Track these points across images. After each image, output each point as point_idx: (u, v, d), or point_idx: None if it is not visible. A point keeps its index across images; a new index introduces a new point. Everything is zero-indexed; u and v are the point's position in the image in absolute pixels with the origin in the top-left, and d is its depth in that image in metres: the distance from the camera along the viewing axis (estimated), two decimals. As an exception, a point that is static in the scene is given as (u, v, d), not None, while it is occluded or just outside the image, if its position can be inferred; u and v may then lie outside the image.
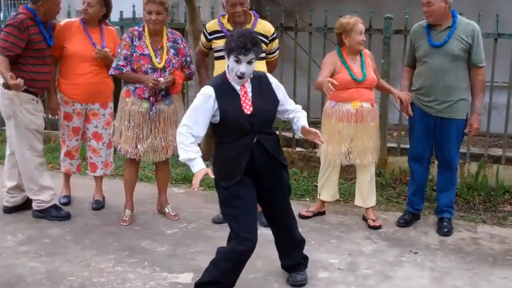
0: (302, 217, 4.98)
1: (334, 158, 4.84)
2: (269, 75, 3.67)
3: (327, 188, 5.01)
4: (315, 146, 6.39)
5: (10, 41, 4.47)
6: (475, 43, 4.57)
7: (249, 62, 3.39)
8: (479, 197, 5.41)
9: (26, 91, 4.56)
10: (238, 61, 3.37)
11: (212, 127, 3.52)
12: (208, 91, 3.44)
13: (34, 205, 4.81)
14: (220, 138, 3.54)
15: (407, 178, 5.75)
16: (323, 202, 5.07)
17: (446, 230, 4.67)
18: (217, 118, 3.44)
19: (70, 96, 4.91)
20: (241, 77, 3.41)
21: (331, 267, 4.13)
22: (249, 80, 3.51)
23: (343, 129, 4.78)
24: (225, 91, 3.46)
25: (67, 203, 5.18)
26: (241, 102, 3.44)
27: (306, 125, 3.61)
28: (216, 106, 3.42)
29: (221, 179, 3.50)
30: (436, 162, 4.98)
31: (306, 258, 3.93)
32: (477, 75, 4.64)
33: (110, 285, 3.80)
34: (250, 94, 3.47)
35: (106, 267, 4.05)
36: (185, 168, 6.06)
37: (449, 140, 4.69)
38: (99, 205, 5.12)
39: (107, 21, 5.10)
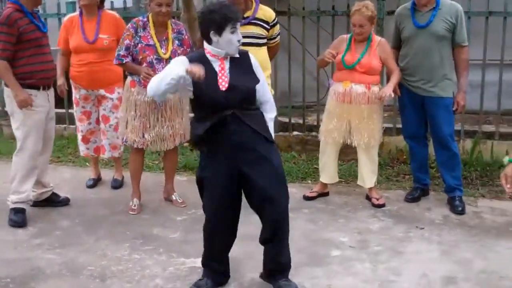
0: (307, 198, 5.10)
1: (330, 136, 4.94)
2: (250, 55, 3.59)
3: (326, 170, 5.11)
4: (311, 129, 6.52)
5: (2, 40, 4.39)
6: (459, 23, 4.70)
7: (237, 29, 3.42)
8: (475, 173, 5.56)
9: (22, 85, 4.49)
10: (234, 31, 3.37)
11: (191, 104, 3.59)
12: (182, 58, 3.51)
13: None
14: (198, 114, 3.52)
15: (404, 157, 5.92)
16: (325, 184, 5.17)
17: (460, 209, 4.77)
18: (191, 92, 3.42)
19: (76, 82, 5.16)
20: (239, 45, 3.43)
21: (342, 245, 4.24)
22: (228, 57, 3.46)
23: (336, 108, 4.90)
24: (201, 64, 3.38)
25: (92, 186, 5.43)
26: (218, 77, 3.39)
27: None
28: (190, 78, 3.33)
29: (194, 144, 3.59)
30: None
31: (290, 262, 3.64)
32: (461, 54, 4.78)
33: (130, 273, 3.86)
34: (227, 71, 3.41)
35: (123, 256, 4.10)
36: (185, 156, 6.11)
37: (439, 118, 4.80)
38: (117, 184, 5.39)
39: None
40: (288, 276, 3.62)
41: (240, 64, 3.48)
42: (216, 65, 3.43)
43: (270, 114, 3.59)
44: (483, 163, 5.65)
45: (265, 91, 3.59)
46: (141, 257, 4.08)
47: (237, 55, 3.48)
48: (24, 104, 4.48)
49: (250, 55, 3.58)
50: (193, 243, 4.26)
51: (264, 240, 3.57)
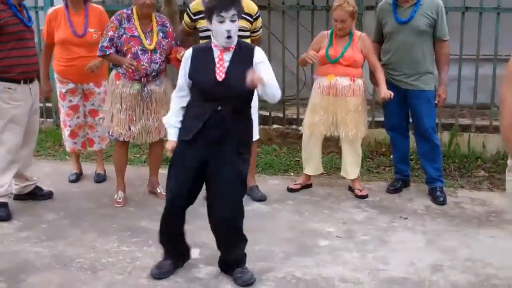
0: (291, 190, 5.15)
1: (316, 130, 5.00)
2: (257, 50, 3.55)
3: (310, 162, 5.17)
4: (291, 122, 6.57)
5: None
6: (440, 18, 4.81)
7: (232, 20, 3.37)
8: (454, 164, 5.69)
9: (1, 79, 4.43)
10: (222, 21, 3.36)
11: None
12: (187, 52, 3.56)
13: None
14: (191, 100, 3.56)
15: (383, 149, 6.03)
16: (309, 176, 5.23)
17: (442, 199, 4.88)
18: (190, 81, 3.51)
19: (64, 77, 5.08)
20: (229, 36, 3.38)
21: (329, 235, 4.30)
22: (232, 49, 3.47)
23: (321, 101, 4.95)
24: (203, 54, 3.48)
25: (75, 181, 5.37)
26: (215, 68, 3.43)
27: (263, 77, 3.36)
28: (189, 64, 3.48)
29: (179, 135, 3.60)
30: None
31: (244, 255, 3.70)
32: (442, 48, 4.89)
33: (121, 265, 3.86)
34: (227, 64, 3.44)
35: (112, 248, 4.09)
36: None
37: (421, 110, 4.90)
38: (100, 178, 5.37)
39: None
40: (245, 264, 3.69)
41: (243, 59, 3.48)
42: (216, 55, 3.45)
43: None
44: (460, 155, 5.79)
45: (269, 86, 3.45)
46: (130, 249, 4.08)
47: (240, 47, 3.48)
48: None
49: (257, 50, 3.53)
50: (181, 235, 4.28)
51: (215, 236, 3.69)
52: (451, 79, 5.93)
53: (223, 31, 3.39)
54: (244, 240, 3.67)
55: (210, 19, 3.42)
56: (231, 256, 3.67)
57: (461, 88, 6.06)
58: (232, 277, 3.66)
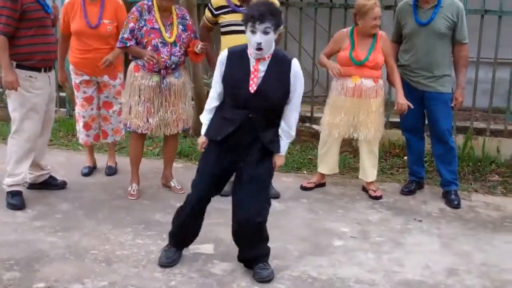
0: (304, 188, 5.13)
1: (335, 130, 4.98)
2: (294, 64, 3.44)
3: (327, 161, 5.15)
4: (304, 120, 6.55)
5: (5, 14, 4.29)
6: (460, 21, 4.78)
7: (265, 32, 3.30)
8: (467, 168, 5.67)
9: (23, 67, 4.43)
10: (253, 31, 3.32)
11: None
12: (223, 53, 3.53)
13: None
14: (224, 101, 3.56)
15: (397, 151, 6.01)
16: (323, 174, 5.21)
17: (456, 202, 4.87)
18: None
19: (79, 69, 5.04)
20: (259, 48, 3.34)
21: (344, 235, 4.29)
22: (268, 58, 3.42)
23: (344, 102, 4.93)
24: (239, 59, 3.44)
25: (87, 174, 5.32)
26: (250, 78, 3.40)
27: (282, 152, 3.57)
28: (224, 68, 3.46)
29: (208, 132, 3.59)
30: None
31: (268, 251, 3.70)
32: (461, 51, 4.86)
33: (135, 257, 3.85)
34: (262, 74, 3.40)
35: (126, 240, 4.08)
36: (180, 142, 6.06)
37: (438, 113, 4.88)
38: (111, 171, 5.35)
39: None
40: (267, 261, 3.67)
41: (279, 71, 3.43)
42: (252, 65, 3.42)
43: (283, 135, 3.55)
44: (474, 158, 5.76)
45: (291, 109, 3.50)
46: (144, 242, 4.07)
47: (278, 57, 3.43)
48: (9, 87, 4.38)
49: (294, 64, 3.44)
50: (195, 229, 4.27)
51: (232, 233, 3.69)
52: (467, 82, 5.91)
53: (253, 43, 3.36)
54: (266, 239, 3.66)
55: (245, 27, 3.39)
56: (252, 253, 3.65)
57: (477, 91, 6.03)
58: (252, 270, 3.64)
